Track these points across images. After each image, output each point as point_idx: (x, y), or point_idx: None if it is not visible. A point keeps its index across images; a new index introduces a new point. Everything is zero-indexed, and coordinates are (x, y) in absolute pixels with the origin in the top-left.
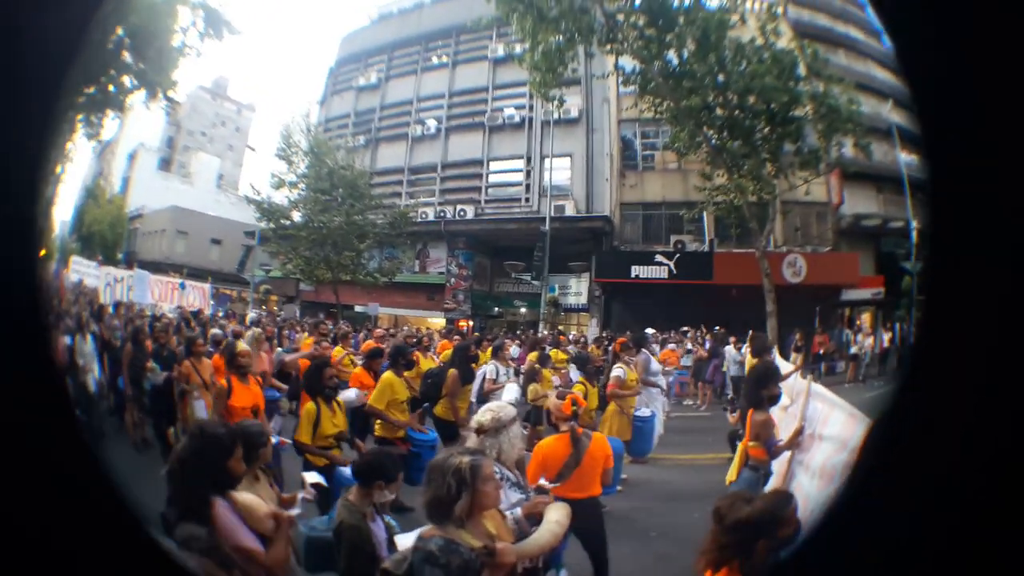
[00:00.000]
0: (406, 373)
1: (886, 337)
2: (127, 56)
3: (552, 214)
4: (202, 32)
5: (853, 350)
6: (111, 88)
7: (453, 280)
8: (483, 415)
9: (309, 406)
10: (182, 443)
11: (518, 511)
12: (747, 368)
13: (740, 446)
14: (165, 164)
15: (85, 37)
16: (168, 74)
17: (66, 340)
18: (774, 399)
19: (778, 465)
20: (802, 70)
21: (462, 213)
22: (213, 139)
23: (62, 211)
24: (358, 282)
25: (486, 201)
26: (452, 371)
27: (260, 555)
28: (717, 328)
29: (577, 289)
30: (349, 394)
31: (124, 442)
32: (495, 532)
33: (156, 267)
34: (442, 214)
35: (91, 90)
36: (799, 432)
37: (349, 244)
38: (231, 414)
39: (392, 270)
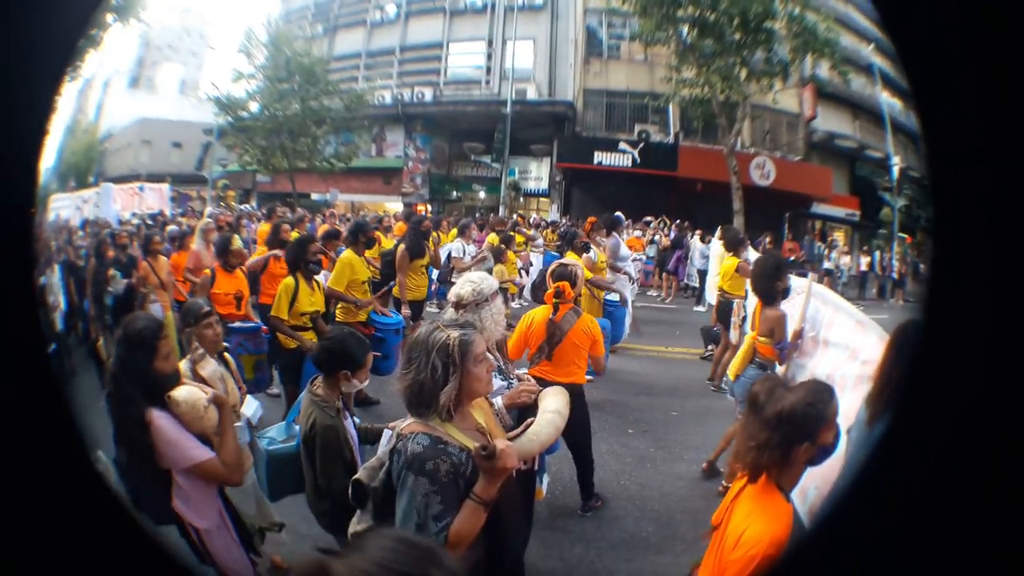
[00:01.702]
0: (367, 253)
1: (864, 261)
2: None
3: (514, 97)
4: None
5: (827, 265)
6: (94, 31)
7: (411, 164)
8: (462, 286)
9: (287, 280)
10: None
11: (499, 401)
12: (718, 260)
13: (747, 339)
14: (134, 83)
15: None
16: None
17: (40, 280)
18: (786, 292)
19: (779, 367)
20: None
21: (420, 96)
22: (179, 50)
23: (45, 160)
24: (314, 169)
25: (445, 84)
26: (401, 247)
27: (213, 465)
28: (680, 220)
29: (538, 173)
30: None
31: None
32: (486, 426)
33: (121, 180)
34: (399, 97)
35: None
36: (799, 334)
37: (305, 131)
38: (215, 303)
39: (348, 155)
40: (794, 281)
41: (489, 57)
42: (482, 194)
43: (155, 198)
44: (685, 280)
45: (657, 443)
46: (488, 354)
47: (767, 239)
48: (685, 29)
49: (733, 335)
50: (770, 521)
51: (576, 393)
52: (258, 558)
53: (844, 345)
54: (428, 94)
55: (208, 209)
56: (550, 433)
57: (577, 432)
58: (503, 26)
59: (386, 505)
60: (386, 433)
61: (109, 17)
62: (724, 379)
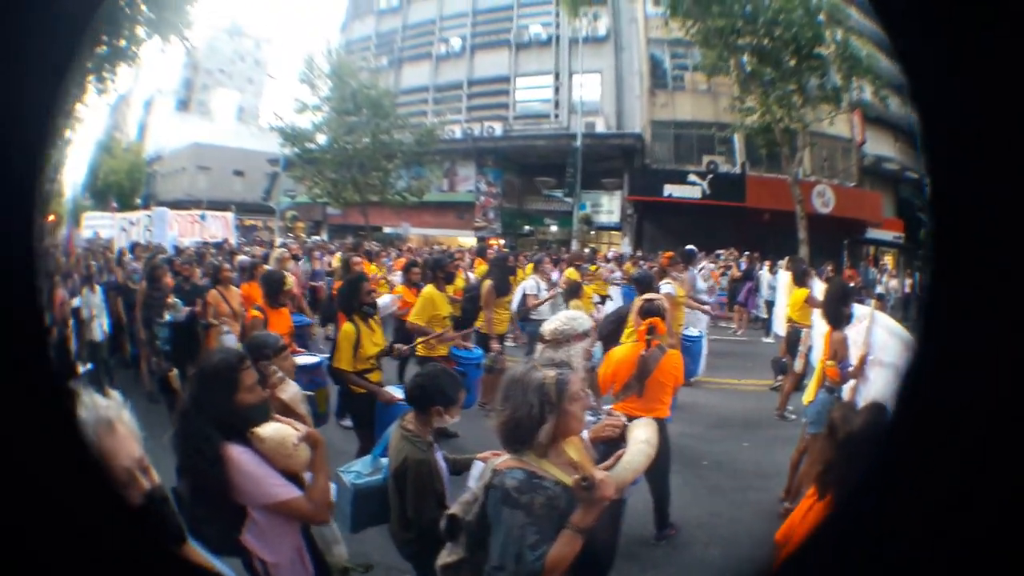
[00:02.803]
0: (447, 288)
1: (907, 283)
2: (143, 8)
3: (583, 131)
4: None
5: (879, 290)
6: (122, 43)
7: (482, 198)
8: (551, 323)
9: (347, 327)
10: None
11: (585, 434)
12: (786, 291)
13: (818, 365)
14: (183, 105)
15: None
16: (182, 14)
17: (68, 298)
18: (849, 318)
19: (846, 390)
20: (823, 16)
21: (490, 130)
22: (232, 75)
23: (73, 173)
24: (387, 202)
25: (514, 118)
26: (487, 282)
27: (301, 504)
28: (750, 252)
29: (609, 207)
30: (383, 300)
31: (140, 395)
32: (578, 459)
33: (177, 205)
34: (469, 132)
35: (101, 49)
36: (864, 359)
37: (376, 164)
38: None
39: (421, 189)
40: (856, 308)
41: (556, 90)
42: (554, 228)
43: (218, 226)
44: (754, 311)
45: (728, 473)
46: (583, 392)
47: (829, 268)
48: (745, 58)
49: (798, 364)
50: None
51: (660, 427)
52: None
53: (893, 366)
54: (498, 128)
55: (279, 239)
56: (642, 462)
57: (658, 464)
58: (568, 59)
59: (479, 538)
60: (476, 465)
61: (140, 30)
62: (788, 407)
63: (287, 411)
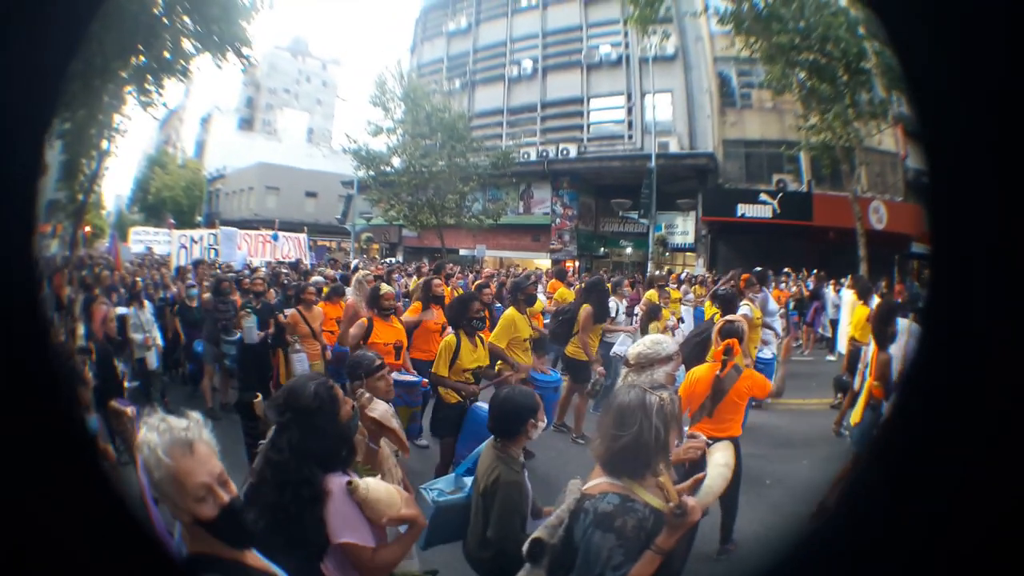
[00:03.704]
0: (528, 310)
1: None
2: (186, 19)
3: (656, 151)
4: None
5: (922, 304)
6: (166, 55)
7: (558, 220)
8: (636, 347)
9: (449, 338)
10: (272, 433)
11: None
12: (849, 309)
13: (866, 385)
14: (246, 124)
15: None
16: (240, 30)
17: (115, 311)
18: (893, 337)
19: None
20: (862, 29)
21: (565, 152)
22: (299, 95)
23: (116, 185)
24: (463, 225)
25: (588, 139)
26: (586, 306)
27: (366, 555)
28: (816, 270)
29: (684, 228)
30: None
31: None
32: (666, 485)
33: (244, 225)
34: (544, 154)
35: (139, 60)
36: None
37: (452, 187)
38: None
39: (497, 212)
40: (899, 324)
41: (629, 111)
42: (629, 250)
43: (291, 247)
44: (820, 330)
45: (787, 490)
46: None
47: (883, 284)
48: (803, 75)
49: (857, 382)
50: None
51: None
52: None
53: None
54: (572, 150)
55: (355, 260)
56: (721, 485)
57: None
58: (639, 78)
59: (562, 562)
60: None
61: (188, 44)
62: (844, 423)
63: (380, 428)
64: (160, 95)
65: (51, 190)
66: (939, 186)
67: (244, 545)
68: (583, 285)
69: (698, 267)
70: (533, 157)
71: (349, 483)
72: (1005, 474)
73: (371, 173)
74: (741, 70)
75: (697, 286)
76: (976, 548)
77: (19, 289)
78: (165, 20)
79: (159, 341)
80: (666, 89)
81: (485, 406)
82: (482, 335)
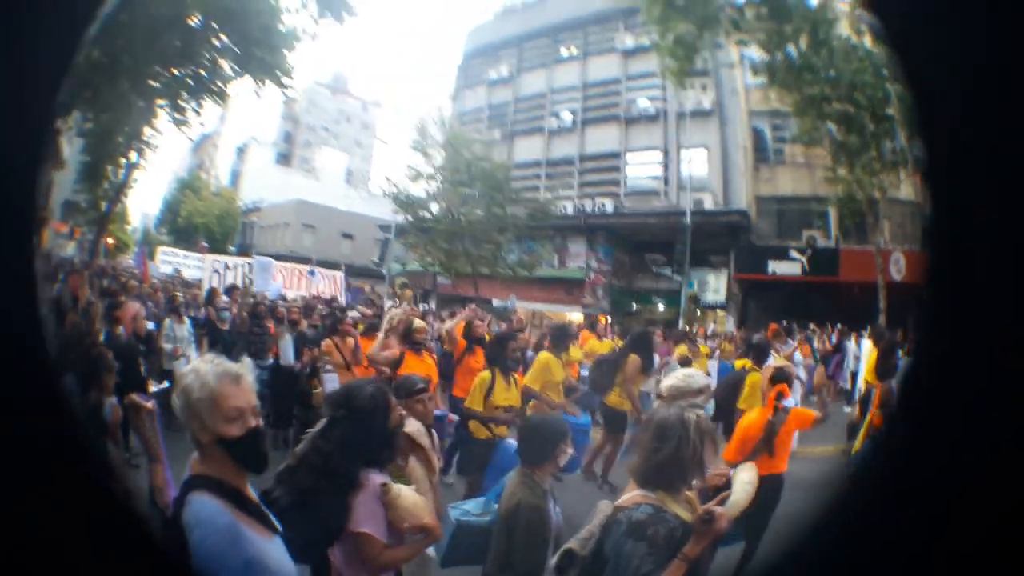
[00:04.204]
0: (563, 356)
1: None
2: (216, 40)
3: (691, 207)
4: (316, 16)
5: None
6: (202, 73)
7: (592, 275)
8: (668, 379)
9: (484, 374)
10: (323, 419)
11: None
12: (867, 356)
13: (869, 415)
14: (284, 159)
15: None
16: (279, 59)
17: (147, 324)
18: (895, 369)
19: None
20: (885, 72)
21: (601, 207)
22: (338, 135)
23: (143, 202)
24: (497, 275)
25: (625, 195)
26: (634, 356)
27: (377, 547)
28: (840, 325)
29: (716, 286)
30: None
31: None
32: (693, 499)
33: (280, 259)
34: (581, 208)
35: (172, 72)
36: None
37: (489, 237)
38: None
39: (532, 264)
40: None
41: (665, 167)
42: (661, 307)
43: (327, 284)
44: (841, 383)
45: (793, 530)
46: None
47: (900, 333)
48: (833, 126)
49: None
50: None
51: (776, 484)
52: None
53: None
54: (609, 205)
55: (390, 302)
56: (746, 499)
57: (763, 520)
58: (676, 133)
59: (591, 573)
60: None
61: (226, 65)
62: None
63: (412, 445)
64: (197, 113)
65: (70, 190)
66: (937, 187)
67: (256, 469)
68: (631, 336)
69: (728, 324)
70: (570, 211)
71: (384, 484)
72: (1003, 478)
73: (409, 218)
74: (775, 124)
75: (726, 342)
76: (975, 551)
77: (13, 280)
78: (203, 35)
79: (192, 354)
80: (702, 144)
81: (514, 442)
82: (516, 375)
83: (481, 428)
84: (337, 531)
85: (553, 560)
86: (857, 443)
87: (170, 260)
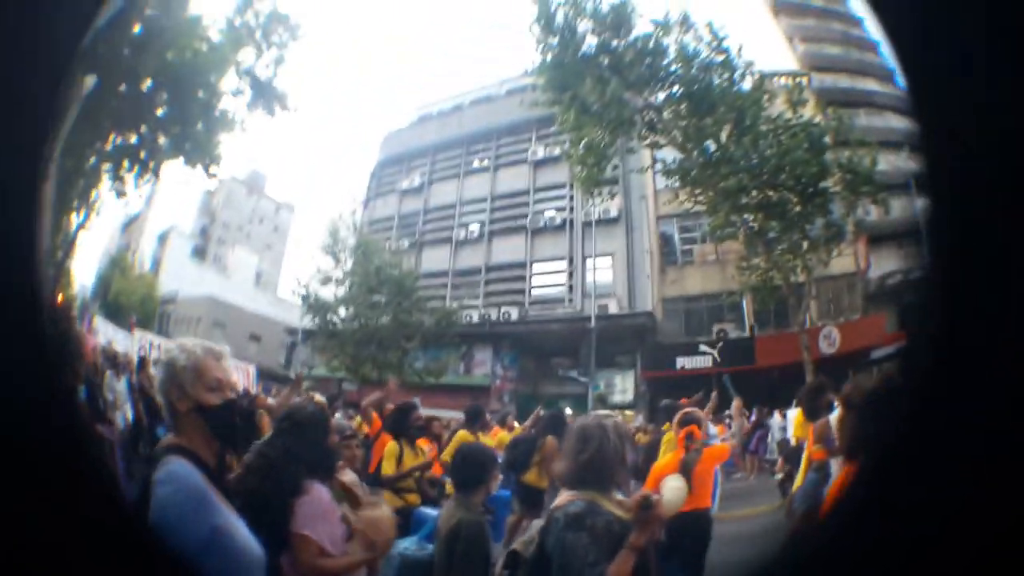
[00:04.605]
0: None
1: None
2: (160, 110)
3: (596, 313)
4: (250, 103)
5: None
6: (133, 139)
7: (498, 382)
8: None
9: (391, 445)
10: (270, 434)
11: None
12: (794, 421)
13: (804, 456)
14: (199, 252)
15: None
16: (211, 142)
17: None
18: (829, 406)
19: (836, 465)
20: (828, 139)
21: (506, 315)
22: (251, 235)
23: (81, 265)
24: (404, 383)
25: (530, 303)
26: (551, 438)
27: (313, 552)
28: (759, 406)
29: (623, 386)
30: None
31: None
32: (623, 501)
33: None
34: (487, 316)
35: (119, 140)
36: None
37: (395, 343)
38: None
39: (439, 371)
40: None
41: (571, 275)
42: (568, 410)
43: (241, 376)
44: (766, 455)
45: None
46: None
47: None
48: (749, 216)
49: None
50: None
51: (702, 517)
52: None
53: None
54: (514, 313)
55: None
56: (677, 500)
57: (696, 554)
58: (582, 242)
59: (535, 574)
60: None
61: (163, 140)
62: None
63: (347, 493)
64: (135, 186)
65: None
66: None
67: (229, 440)
68: (545, 418)
69: (636, 422)
70: (475, 319)
71: (361, 501)
72: (996, 496)
73: (317, 321)
74: (683, 226)
75: (640, 434)
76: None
77: (18, 291)
78: (149, 101)
79: (129, 413)
80: (607, 252)
81: (427, 510)
82: (423, 443)
83: (395, 498)
84: (281, 535)
85: (498, 565)
86: (798, 480)
87: (103, 333)
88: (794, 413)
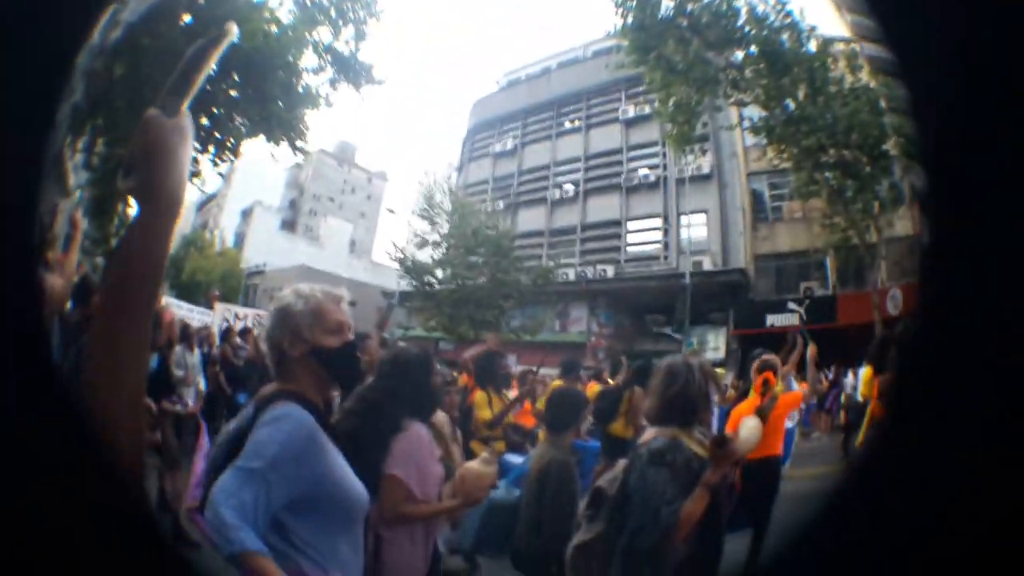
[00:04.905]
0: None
1: None
2: (234, 92)
3: (691, 270)
4: (332, 78)
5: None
6: (204, 121)
7: (593, 339)
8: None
9: (480, 394)
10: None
11: None
12: (863, 380)
13: (868, 410)
14: (288, 225)
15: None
16: (294, 118)
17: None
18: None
19: None
20: (883, 103)
21: (602, 273)
22: (343, 205)
23: None
24: (502, 340)
25: (625, 260)
26: (638, 388)
27: (401, 493)
28: (835, 365)
29: (715, 343)
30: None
31: None
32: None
33: None
34: (582, 274)
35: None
36: None
37: (493, 302)
38: None
39: (535, 329)
40: None
41: (665, 232)
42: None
43: None
44: (836, 419)
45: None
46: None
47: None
48: (829, 174)
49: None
50: None
51: (772, 465)
52: None
53: None
54: (610, 271)
55: None
56: (755, 437)
57: (764, 501)
58: (676, 199)
59: (617, 511)
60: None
61: (239, 120)
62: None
63: (435, 431)
64: (214, 163)
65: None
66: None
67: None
68: (633, 369)
69: (727, 380)
70: (572, 277)
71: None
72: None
73: (414, 283)
74: (772, 182)
75: (731, 391)
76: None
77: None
78: (220, 82)
79: (202, 385)
80: (701, 209)
81: (514, 457)
82: (507, 393)
83: (482, 446)
84: (374, 476)
85: (583, 503)
86: (860, 435)
87: (176, 311)
88: (864, 371)
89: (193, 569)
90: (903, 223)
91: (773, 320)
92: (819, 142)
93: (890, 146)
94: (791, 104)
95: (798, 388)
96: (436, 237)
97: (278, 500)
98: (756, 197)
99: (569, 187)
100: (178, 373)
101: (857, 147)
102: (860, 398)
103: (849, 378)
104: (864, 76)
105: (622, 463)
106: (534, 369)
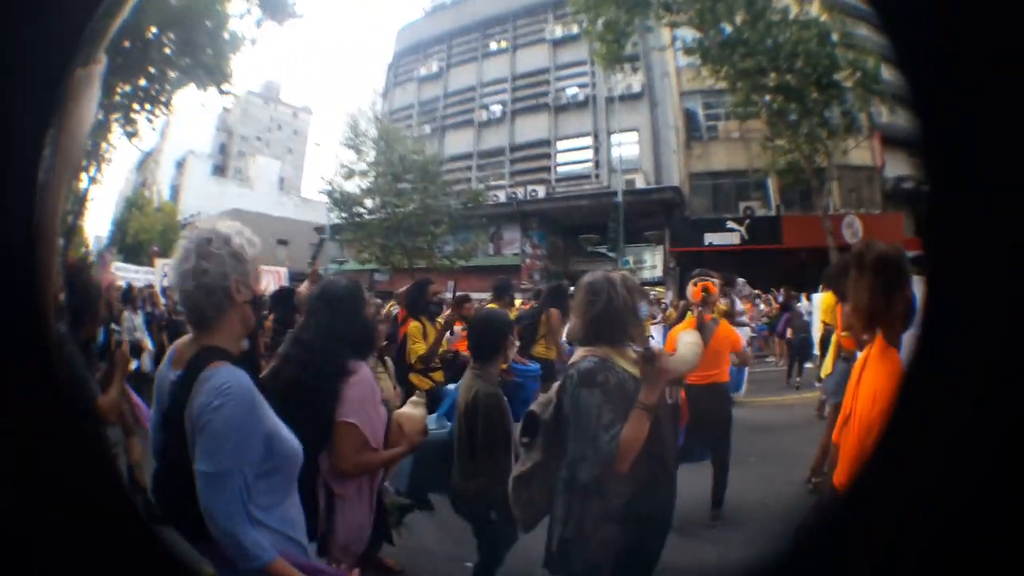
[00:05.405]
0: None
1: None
2: (168, 49)
3: (623, 188)
4: (259, 18)
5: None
6: (142, 82)
7: (528, 260)
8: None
9: (413, 324)
10: (302, 319)
11: None
12: (819, 302)
13: (833, 339)
14: (219, 170)
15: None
16: (223, 63)
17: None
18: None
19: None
20: (835, 38)
21: (533, 193)
22: (270, 143)
23: (97, 217)
24: (434, 267)
25: (556, 180)
26: (554, 310)
27: (357, 439)
28: (785, 287)
29: (652, 261)
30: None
31: None
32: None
33: None
34: (513, 196)
35: (126, 87)
36: None
37: (424, 229)
38: None
39: (467, 253)
40: None
41: (596, 151)
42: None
43: (271, 280)
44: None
45: (775, 463)
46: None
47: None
48: (769, 97)
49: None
50: (897, 370)
51: (720, 391)
52: (388, 543)
53: None
54: (541, 191)
55: None
56: (692, 353)
57: (718, 430)
58: (606, 118)
59: (554, 436)
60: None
61: (172, 74)
62: (822, 382)
63: (385, 369)
64: (149, 122)
65: None
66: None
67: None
68: (547, 291)
69: (667, 298)
70: (502, 199)
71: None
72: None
73: (344, 215)
74: (707, 102)
75: (671, 310)
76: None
77: (16, 280)
78: (156, 45)
79: (150, 346)
80: (632, 128)
81: (452, 387)
82: (440, 320)
83: (423, 380)
84: (327, 426)
85: (518, 429)
86: (827, 366)
87: (123, 275)
88: (818, 297)
89: (167, 544)
90: (860, 153)
91: (712, 238)
92: (758, 65)
93: (843, 77)
94: (727, 28)
95: (746, 317)
96: (363, 166)
97: (251, 477)
98: (690, 116)
99: (496, 108)
100: (135, 337)
101: (802, 74)
102: (819, 323)
103: (803, 302)
104: (814, 9)
105: (555, 386)
106: (470, 297)
